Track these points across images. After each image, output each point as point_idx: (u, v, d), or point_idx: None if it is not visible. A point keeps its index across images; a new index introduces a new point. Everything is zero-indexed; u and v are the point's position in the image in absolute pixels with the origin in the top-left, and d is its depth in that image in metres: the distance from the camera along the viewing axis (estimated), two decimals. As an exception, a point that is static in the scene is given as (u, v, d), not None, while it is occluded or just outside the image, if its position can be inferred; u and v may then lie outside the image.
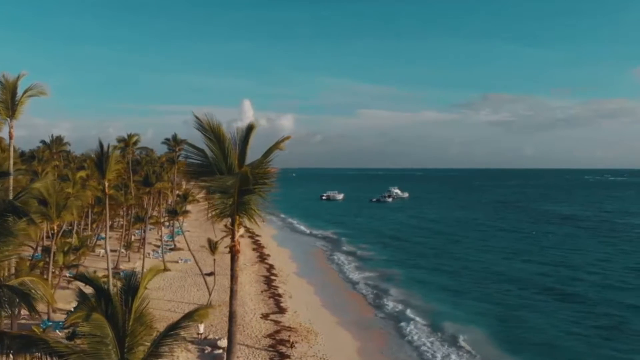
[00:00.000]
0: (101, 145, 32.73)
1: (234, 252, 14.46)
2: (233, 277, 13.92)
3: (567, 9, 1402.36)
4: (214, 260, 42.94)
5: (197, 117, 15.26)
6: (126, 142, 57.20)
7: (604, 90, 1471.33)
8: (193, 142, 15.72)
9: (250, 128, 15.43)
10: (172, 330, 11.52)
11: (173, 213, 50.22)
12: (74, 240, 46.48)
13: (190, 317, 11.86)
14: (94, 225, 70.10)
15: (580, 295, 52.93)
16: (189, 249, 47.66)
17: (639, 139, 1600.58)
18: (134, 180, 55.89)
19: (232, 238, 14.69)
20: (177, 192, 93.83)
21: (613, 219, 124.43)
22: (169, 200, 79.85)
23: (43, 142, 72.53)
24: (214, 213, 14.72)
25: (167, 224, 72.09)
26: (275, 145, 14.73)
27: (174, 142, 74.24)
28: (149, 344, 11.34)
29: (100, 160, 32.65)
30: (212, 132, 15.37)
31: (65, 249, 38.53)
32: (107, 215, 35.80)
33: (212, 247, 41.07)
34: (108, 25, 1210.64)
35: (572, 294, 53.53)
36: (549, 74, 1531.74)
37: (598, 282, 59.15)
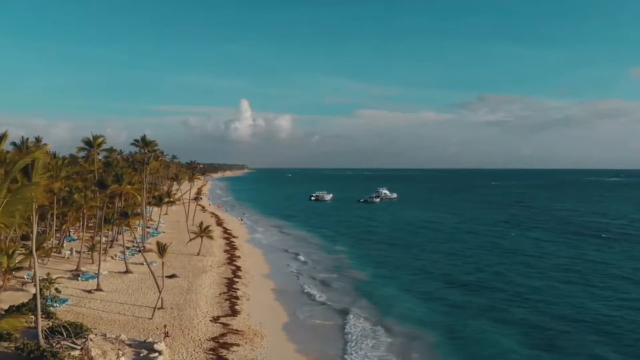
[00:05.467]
0: (27, 149, 32.48)
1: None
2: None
3: (564, 9, 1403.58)
4: (162, 263, 42.79)
5: None
6: (91, 144, 56.83)
7: (600, 91, 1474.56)
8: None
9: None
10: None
11: (124, 215, 49.97)
12: (32, 242, 46.27)
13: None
14: (64, 227, 70.18)
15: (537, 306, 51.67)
16: (141, 252, 47.57)
17: (636, 139, 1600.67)
18: (94, 183, 55.68)
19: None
20: (154, 193, 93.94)
21: (593, 220, 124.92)
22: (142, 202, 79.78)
23: (13, 144, 71.78)
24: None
25: (137, 225, 72.07)
26: (27, 157, 14.33)
27: (142, 143, 74.10)
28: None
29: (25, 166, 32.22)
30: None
31: (10, 251, 38.24)
32: (35, 220, 35.31)
33: (161, 250, 40.87)
34: (108, 25, 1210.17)
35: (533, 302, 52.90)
36: (546, 75, 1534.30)
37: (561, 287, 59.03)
